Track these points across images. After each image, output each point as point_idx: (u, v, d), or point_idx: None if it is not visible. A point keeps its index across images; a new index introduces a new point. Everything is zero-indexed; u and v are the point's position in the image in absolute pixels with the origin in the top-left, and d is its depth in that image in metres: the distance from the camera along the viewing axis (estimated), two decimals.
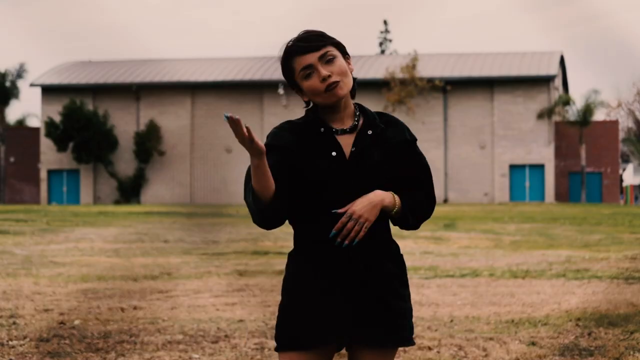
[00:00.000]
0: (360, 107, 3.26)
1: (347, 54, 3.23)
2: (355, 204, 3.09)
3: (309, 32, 3.18)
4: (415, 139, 3.27)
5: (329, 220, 3.11)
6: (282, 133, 3.17)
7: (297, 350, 3.13)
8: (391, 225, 3.25)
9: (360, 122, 3.22)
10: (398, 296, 3.18)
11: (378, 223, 3.15)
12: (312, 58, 3.13)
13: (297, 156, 3.13)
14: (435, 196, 3.30)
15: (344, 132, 3.19)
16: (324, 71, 3.12)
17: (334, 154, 3.14)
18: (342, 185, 3.12)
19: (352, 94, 3.24)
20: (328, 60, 3.14)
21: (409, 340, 3.21)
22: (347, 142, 3.17)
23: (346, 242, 3.08)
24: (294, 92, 3.24)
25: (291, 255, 3.22)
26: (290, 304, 3.17)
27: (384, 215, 3.17)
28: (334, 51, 3.17)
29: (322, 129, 3.17)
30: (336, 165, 3.13)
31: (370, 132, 3.19)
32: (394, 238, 3.28)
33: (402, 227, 3.25)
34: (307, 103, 3.22)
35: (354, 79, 3.24)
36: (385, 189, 3.16)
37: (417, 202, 3.21)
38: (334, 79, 3.12)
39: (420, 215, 3.24)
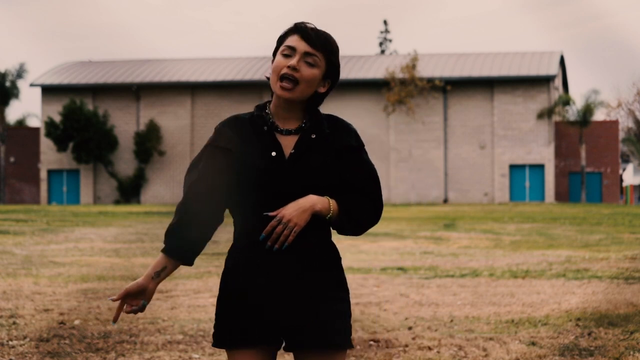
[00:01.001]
0: (311, 110, 3.20)
1: (329, 80, 3.17)
2: (285, 208, 3.07)
3: (324, 32, 3.16)
4: (362, 145, 3.21)
5: (263, 220, 3.09)
6: (224, 130, 3.16)
7: (232, 349, 3.13)
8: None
9: (307, 124, 3.17)
10: (333, 298, 3.14)
11: (314, 226, 3.12)
12: (301, 46, 3.10)
13: (236, 155, 3.11)
14: (382, 203, 3.23)
15: (288, 132, 3.15)
16: (296, 63, 3.09)
17: (273, 154, 3.11)
18: (277, 187, 3.09)
19: (310, 106, 3.18)
20: (308, 62, 3.11)
21: (344, 343, 3.15)
22: (289, 144, 3.14)
23: (276, 246, 3.07)
24: (272, 60, 3.19)
25: (230, 251, 3.21)
26: (225, 300, 3.15)
27: (321, 219, 3.13)
28: (320, 61, 3.13)
29: (266, 127, 3.15)
30: (274, 166, 3.09)
31: (314, 135, 3.14)
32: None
33: (340, 232, 3.21)
34: (268, 79, 3.19)
35: (319, 99, 3.18)
36: (323, 194, 3.12)
37: (357, 207, 3.16)
38: (295, 75, 3.09)
39: (361, 221, 3.19)
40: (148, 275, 3.17)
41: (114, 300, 3.13)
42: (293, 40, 3.12)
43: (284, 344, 3.17)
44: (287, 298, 3.10)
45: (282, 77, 3.10)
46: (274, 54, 3.18)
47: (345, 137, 3.18)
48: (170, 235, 3.20)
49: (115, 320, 3.17)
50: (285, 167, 3.10)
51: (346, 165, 3.16)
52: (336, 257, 3.20)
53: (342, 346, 3.15)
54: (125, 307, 3.17)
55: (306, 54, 3.10)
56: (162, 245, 3.25)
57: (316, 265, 3.13)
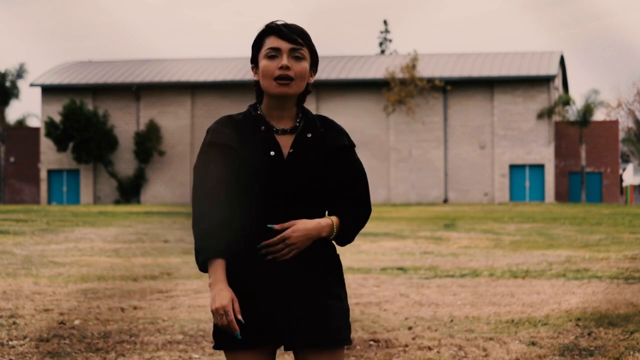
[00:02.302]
0: (302, 109, 3.24)
1: (315, 68, 3.23)
2: (293, 229, 3.08)
3: (295, 25, 3.19)
4: (353, 146, 3.26)
5: (264, 218, 3.10)
6: (223, 129, 3.16)
7: (232, 351, 3.13)
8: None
9: (302, 124, 3.20)
10: (332, 296, 3.16)
11: None
12: (284, 45, 3.13)
13: (236, 153, 3.12)
14: (371, 205, 3.28)
15: (284, 132, 3.18)
16: (286, 62, 3.12)
17: (272, 153, 3.13)
18: (277, 186, 3.10)
19: (301, 99, 3.22)
20: (296, 57, 3.14)
21: (344, 340, 3.17)
22: (285, 143, 3.16)
23: (269, 256, 3.09)
24: (251, 68, 3.23)
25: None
26: None
27: (319, 213, 3.17)
28: (306, 54, 3.17)
29: (263, 127, 3.17)
30: (273, 165, 3.11)
31: (309, 135, 3.18)
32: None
33: (337, 244, 3.25)
34: (256, 84, 3.21)
35: (309, 90, 3.23)
36: (320, 193, 3.14)
37: (354, 221, 3.21)
38: (289, 73, 3.12)
39: (356, 232, 3.26)
40: (227, 289, 3.12)
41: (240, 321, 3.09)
42: (273, 42, 3.15)
43: (283, 344, 3.17)
44: (286, 297, 3.11)
45: (277, 78, 3.12)
46: (254, 61, 3.20)
47: (338, 137, 3.22)
48: (206, 239, 3.11)
49: (238, 332, 3.10)
50: (284, 166, 3.12)
51: (338, 165, 3.20)
52: (334, 256, 3.22)
53: (341, 342, 3.17)
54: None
55: (292, 49, 3.14)
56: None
57: (314, 264, 3.15)
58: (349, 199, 3.21)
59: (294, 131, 3.18)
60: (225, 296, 3.08)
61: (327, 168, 3.16)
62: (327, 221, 3.15)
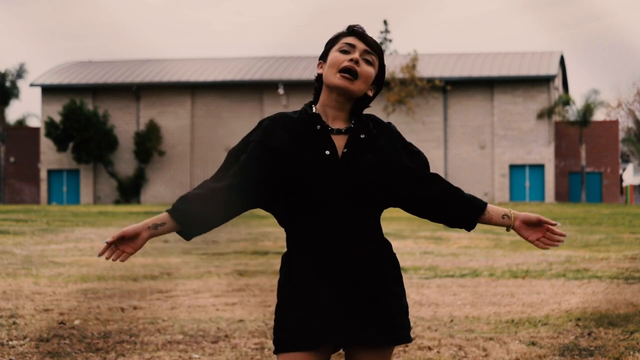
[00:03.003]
0: (357, 112, 3.25)
1: (378, 85, 3.25)
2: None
3: (374, 39, 3.25)
4: (407, 143, 3.28)
5: (319, 219, 3.10)
6: (276, 129, 3.16)
7: (293, 351, 3.12)
8: (382, 224, 3.26)
9: (355, 125, 3.21)
10: (391, 294, 3.18)
11: (369, 222, 3.16)
12: (360, 45, 3.18)
13: (288, 156, 3.12)
14: None
15: (338, 132, 3.18)
16: (358, 57, 3.15)
17: (327, 152, 3.13)
18: (332, 185, 3.10)
19: (358, 105, 3.23)
20: (366, 60, 3.19)
21: (404, 338, 3.22)
22: (339, 143, 3.17)
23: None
24: (317, 64, 3.24)
25: (284, 257, 3.22)
26: (285, 305, 3.16)
27: (377, 215, 3.19)
28: (375, 63, 3.21)
29: (319, 126, 3.17)
30: (328, 165, 3.12)
31: (363, 135, 3.19)
32: (389, 237, 3.29)
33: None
34: (316, 79, 3.22)
35: (368, 100, 3.24)
36: (375, 194, 3.15)
37: (461, 192, 3.27)
38: (357, 69, 3.14)
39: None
40: (146, 223, 3.10)
41: (108, 243, 3.05)
42: (350, 40, 3.19)
43: (341, 342, 3.17)
44: (349, 296, 3.11)
45: (343, 70, 3.14)
46: (323, 57, 3.22)
47: (393, 141, 3.23)
48: (183, 198, 3.12)
49: (100, 255, 3.06)
50: (338, 166, 3.12)
51: (406, 162, 3.22)
52: (392, 255, 3.23)
53: (403, 341, 3.22)
54: (115, 252, 3.07)
55: (365, 51, 3.18)
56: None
57: (374, 260, 3.16)
58: (431, 180, 3.24)
59: (348, 131, 3.19)
60: (127, 227, 3.09)
61: (381, 169, 3.15)
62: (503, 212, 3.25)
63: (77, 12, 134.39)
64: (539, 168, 50.43)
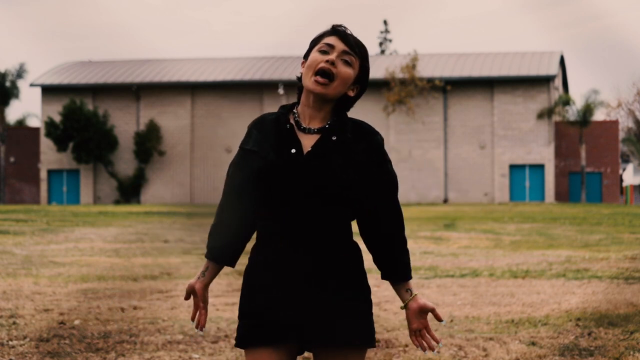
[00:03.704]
0: (338, 113, 3.22)
1: (359, 85, 3.22)
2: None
3: (359, 40, 3.22)
4: (386, 160, 3.21)
5: (280, 216, 3.10)
6: (252, 131, 3.22)
7: (253, 347, 3.12)
8: (353, 226, 3.24)
9: (330, 126, 3.18)
10: (355, 297, 3.15)
11: (335, 224, 3.13)
12: (339, 45, 3.16)
13: (257, 154, 3.14)
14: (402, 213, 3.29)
15: (310, 131, 3.17)
16: (334, 58, 3.13)
17: (293, 151, 3.13)
18: (294, 184, 3.09)
19: (340, 106, 3.21)
20: (345, 61, 3.16)
21: (367, 342, 3.17)
22: (309, 143, 3.15)
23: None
24: (301, 63, 3.25)
25: (252, 248, 3.23)
26: (246, 299, 3.18)
27: (344, 216, 3.15)
28: (356, 65, 3.18)
29: (288, 125, 3.17)
30: (292, 163, 3.11)
31: (334, 137, 3.15)
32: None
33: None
34: (298, 79, 3.22)
35: (351, 101, 3.22)
36: (337, 196, 3.11)
37: (405, 251, 3.29)
38: (333, 71, 3.12)
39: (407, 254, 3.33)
40: (196, 276, 3.32)
41: (186, 299, 3.38)
42: (331, 40, 3.17)
43: (303, 343, 3.15)
44: (308, 296, 3.10)
45: (319, 72, 3.12)
46: (306, 56, 3.22)
47: (370, 151, 3.18)
48: (210, 237, 3.30)
49: (198, 327, 3.43)
50: (301, 165, 3.11)
51: (371, 178, 3.17)
52: (357, 257, 3.21)
53: (366, 344, 3.17)
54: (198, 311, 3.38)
55: (344, 52, 3.15)
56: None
57: (337, 264, 3.14)
58: (379, 204, 3.20)
59: (320, 131, 3.17)
60: (192, 282, 3.32)
61: (347, 174, 3.12)
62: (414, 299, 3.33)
63: (77, 12, 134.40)
64: (539, 168, 50.43)
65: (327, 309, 3.10)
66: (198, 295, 3.31)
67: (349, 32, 3.20)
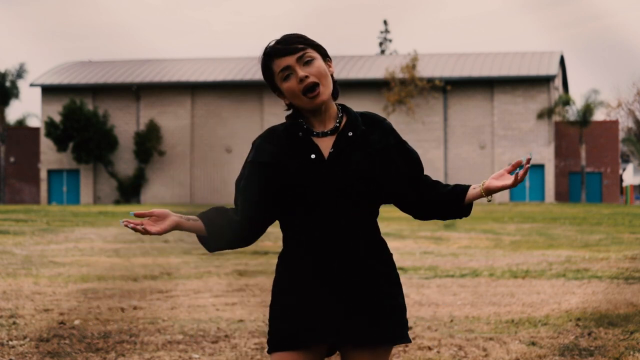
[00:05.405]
0: (343, 108, 3.25)
1: (328, 57, 3.23)
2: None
3: (288, 35, 3.19)
4: (401, 140, 3.25)
5: (312, 220, 3.11)
6: (265, 145, 3.18)
7: (286, 351, 3.12)
8: (379, 224, 3.25)
9: (342, 123, 3.20)
10: (386, 294, 3.16)
11: (362, 221, 3.15)
12: (290, 60, 3.13)
13: (278, 167, 3.13)
14: None
15: (324, 134, 3.17)
16: (302, 72, 3.11)
17: (312, 156, 3.13)
18: (321, 187, 3.10)
19: (334, 95, 3.23)
20: (306, 62, 3.14)
21: (400, 338, 3.18)
22: (327, 145, 3.16)
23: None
24: (276, 95, 3.24)
25: (280, 257, 3.24)
26: (279, 305, 3.18)
27: (372, 213, 3.17)
28: (312, 53, 3.16)
29: (301, 133, 3.17)
30: (315, 168, 3.12)
31: (350, 133, 3.17)
32: (389, 237, 3.29)
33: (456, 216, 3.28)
34: (289, 106, 3.21)
35: (334, 81, 3.23)
36: (366, 192, 3.13)
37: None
38: (311, 80, 3.12)
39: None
40: (179, 211, 3.18)
41: (136, 215, 3.07)
42: (279, 63, 3.15)
43: (335, 343, 3.15)
44: (344, 296, 3.11)
45: (305, 93, 3.12)
46: (274, 89, 3.21)
47: (385, 136, 3.21)
48: (217, 209, 3.18)
49: (124, 223, 3.05)
50: (325, 167, 3.11)
51: (396, 161, 3.20)
52: (387, 254, 3.22)
53: (399, 340, 3.17)
54: (141, 223, 3.07)
55: (297, 60, 3.13)
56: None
57: (369, 260, 3.15)
58: (421, 183, 3.23)
59: (334, 132, 3.18)
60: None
61: (372, 165, 3.14)
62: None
63: (77, 12, 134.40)
64: (539, 168, 50.43)
65: (362, 309, 3.11)
66: (164, 225, 3.08)
67: (276, 43, 3.16)
